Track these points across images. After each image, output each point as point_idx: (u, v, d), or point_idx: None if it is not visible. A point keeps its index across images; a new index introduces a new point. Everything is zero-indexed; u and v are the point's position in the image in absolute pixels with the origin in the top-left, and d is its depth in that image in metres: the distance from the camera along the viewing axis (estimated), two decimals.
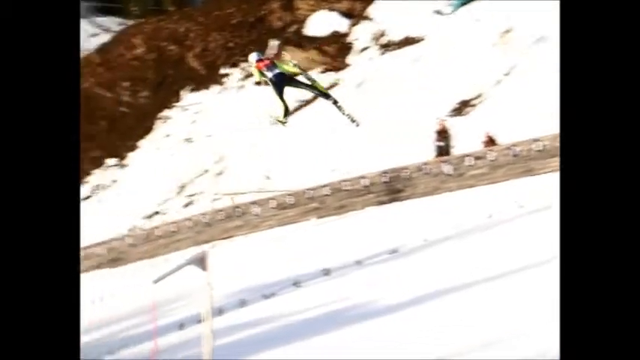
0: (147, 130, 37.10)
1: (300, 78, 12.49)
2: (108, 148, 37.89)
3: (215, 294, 9.84)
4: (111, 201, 33.96)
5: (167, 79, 38.98)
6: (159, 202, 31.48)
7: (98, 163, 37.26)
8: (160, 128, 36.70)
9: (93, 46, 47.44)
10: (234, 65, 37.90)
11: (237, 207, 25.38)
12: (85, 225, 33.95)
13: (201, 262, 9.55)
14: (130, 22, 51.11)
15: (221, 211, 25.59)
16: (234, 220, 25.15)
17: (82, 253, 26.12)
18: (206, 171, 32.79)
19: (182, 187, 32.44)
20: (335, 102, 12.53)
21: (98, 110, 39.96)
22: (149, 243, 25.86)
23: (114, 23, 58.26)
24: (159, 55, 40.15)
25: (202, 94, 37.44)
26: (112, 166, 36.63)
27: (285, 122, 12.42)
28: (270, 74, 12.14)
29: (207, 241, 24.58)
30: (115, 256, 26.04)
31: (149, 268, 23.44)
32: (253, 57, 12.71)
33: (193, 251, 15.50)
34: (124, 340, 17.52)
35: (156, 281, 9.43)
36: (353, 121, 12.68)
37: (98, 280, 24.26)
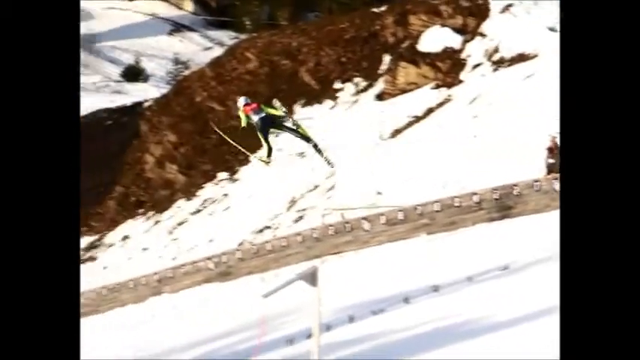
0: (259, 144, 37.47)
1: (285, 122, 13.27)
2: (219, 162, 38.40)
3: (324, 309, 9.87)
4: (221, 215, 34.39)
5: (279, 93, 39.35)
6: (269, 217, 31.76)
7: (209, 177, 37.80)
8: (271, 143, 37.07)
9: (206, 59, 48.18)
10: (347, 80, 38.08)
11: (347, 222, 25.46)
12: (195, 239, 34.45)
13: (311, 277, 9.61)
14: (243, 36, 51.80)
15: (331, 226, 25.69)
16: (344, 236, 25.23)
17: (192, 267, 26.56)
18: (317, 186, 32.95)
19: (293, 202, 32.67)
20: (315, 145, 13.55)
21: (210, 124, 40.53)
22: (259, 257, 26.10)
23: (227, 37, 59.11)
24: (271, 70, 40.58)
25: (315, 109, 37.69)
26: (223, 179, 37.11)
27: (268, 162, 13.43)
28: (256, 117, 13.00)
29: (317, 257, 24.71)
30: (225, 270, 26.35)
31: (259, 283, 23.67)
32: (241, 101, 13.53)
33: (303, 266, 15.59)
34: (233, 355, 17.72)
35: (265, 296, 9.51)
36: (329, 163, 13.96)
37: (207, 294, 24.59)
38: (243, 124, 13.44)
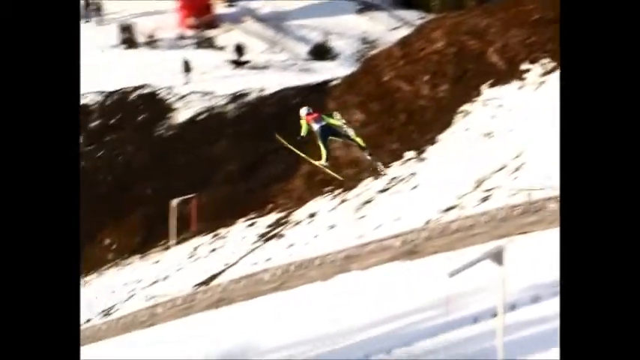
0: (446, 124, 37.46)
1: (343, 130, 14.39)
2: (406, 141, 38.56)
3: (509, 289, 9.91)
4: (408, 193, 34.56)
5: (467, 73, 39.20)
6: (456, 196, 31.72)
7: (397, 156, 38.00)
8: (459, 122, 36.93)
9: (393, 39, 48.34)
10: (534, 61, 37.56)
11: (533, 203, 25.22)
12: (381, 217, 34.84)
13: (497, 256, 9.69)
14: (431, 16, 51.63)
15: (517, 206, 25.50)
16: (530, 216, 25.02)
17: (378, 245, 26.84)
18: (504, 166, 32.71)
19: (479, 182, 32.54)
20: (370, 154, 14.96)
21: (398, 103, 40.74)
22: (445, 237, 26.18)
23: (414, 17, 58.95)
24: (459, 50, 40.43)
25: (502, 89, 37.36)
26: (410, 159, 37.26)
27: (326, 166, 14.62)
28: (316, 126, 14.26)
29: (502, 236, 24.60)
30: (411, 249, 26.52)
31: (445, 262, 23.75)
32: (304, 111, 15.03)
33: (489, 246, 15.61)
34: (418, 333, 17.89)
35: (452, 274, 9.64)
36: (381, 170, 16.03)
37: (393, 273, 24.82)
38: (303, 132, 14.75)
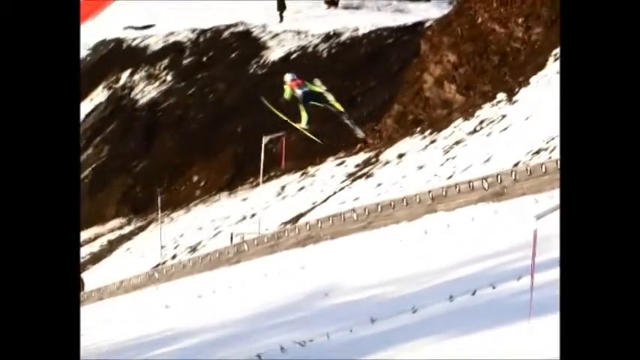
0: (539, 66, 36.94)
1: (323, 96, 15.32)
2: (499, 83, 38.22)
3: None
4: (498, 135, 34.31)
5: None
6: (545, 139, 31.35)
7: (488, 98, 37.69)
8: (551, 65, 36.39)
9: None
10: None
11: None
12: (470, 158, 34.67)
13: None
14: None
15: None
16: None
17: (466, 186, 26.72)
18: None
19: None
20: (348, 117, 15.84)
21: (491, 45, 40.29)
22: (533, 179, 25.91)
23: None
24: None
25: None
26: (501, 100, 36.90)
27: (307, 129, 15.45)
28: (299, 91, 15.36)
29: None
30: (498, 191, 26.35)
31: (532, 204, 23.53)
32: (288, 77, 15.85)
33: None
34: (503, 274, 17.82)
35: (538, 217, 9.56)
36: (358, 133, 16.18)
37: (480, 214, 24.71)
38: (287, 96, 15.77)
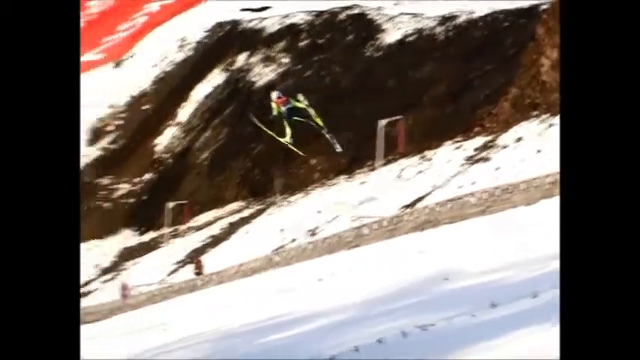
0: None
1: (306, 112, 16.87)
2: None
3: None
4: None
5: None
6: None
7: None
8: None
9: None
10: None
11: None
12: None
13: None
14: None
15: None
16: None
17: None
18: None
19: None
20: (328, 132, 17.36)
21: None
22: None
23: None
24: None
25: None
26: None
27: (290, 143, 17.11)
28: (284, 108, 16.72)
29: None
30: None
31: None
32: (274, 95, 17.40)
33: None
34: None
35: None
36: (337, 148, 18.36)
37: None
38: (275, 112, 17.22)
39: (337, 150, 19.03)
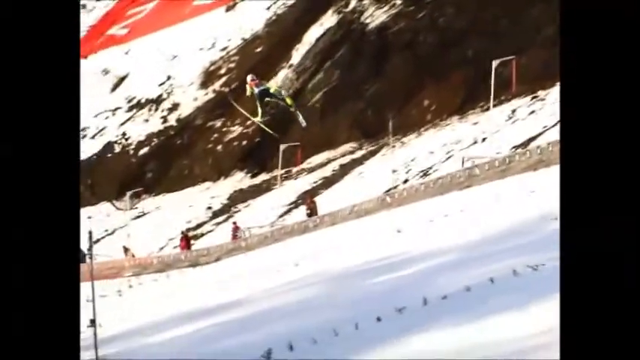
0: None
1: (277, 93, 18.95)
2: None
3: None
4: None
5: None
6: None
7: None
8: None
9: None
10: None
11: None
12: None
13: None
14: None
15: None
16: None
17: None
18: None
19: None
20: (295, 110, 19.54)
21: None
22: None
23: None
24: None
25: None
26: None
27: (261, 122, 19.04)
28: (257, 89, 18.51)
29: None
30: None
31: None
32: (249, 78, 19.04)
33: None
34: None
35: None
36: (302, 123, 20.63)
37: None
38: (248, 93, 18.83)
39: (302, 124, 21.24)
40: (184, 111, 61.84)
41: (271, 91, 18.93)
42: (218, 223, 52.06)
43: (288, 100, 19.14)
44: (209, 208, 54.58)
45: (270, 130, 20.59)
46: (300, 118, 20.24)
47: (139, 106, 64.23)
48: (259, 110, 18.66)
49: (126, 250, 48.16)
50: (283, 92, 19.32)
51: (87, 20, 63.75)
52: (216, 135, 59.62)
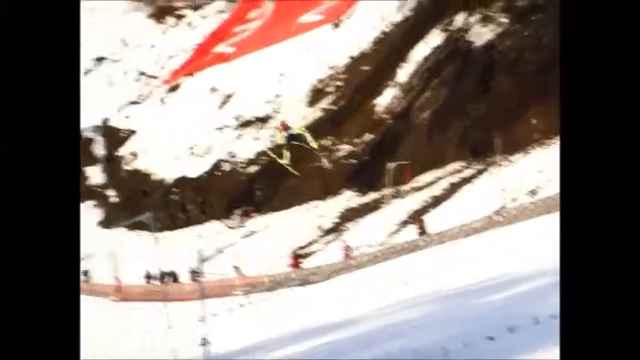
0: None
1: (303, 137, 19.55)
2: None
3: None
4: None
5: None
6: None
7: None
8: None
9: None
10: None
11: None
12: None
13: None
14: None
15: None
16: None
17: None
18: None
19: None
20: (319, 152, 20.90)
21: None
22: None
23: None
24: None
25: None
26: None
27: (290, 165, 19.54)
28: (285, 133, 19.40)
29: None
30: None
31: None
32: (278, 122, 20.57)
33: None
34: None
35: None
36: (327, 166, 24.21)
37: None
38: (277, 138, 19.97)
39: (325, 166, 22.82)
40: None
41: (297, 134, 20.62)
42: (328, 242, 52.84)
43: (314, 144, 20.77)
44: (319, 226, 55.39)
45: (296, 172, 22.22)
46: (324, 161, 22.00)
47: (247, 124, 65.23)
48: (286, 154, 19.84)
49: (236, 268, 49.10)
50: (308, 136, 20.93)
51: (193, 38, 65.30)
52: (324, 153, 60.31)
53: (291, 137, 20.52)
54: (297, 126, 21.11)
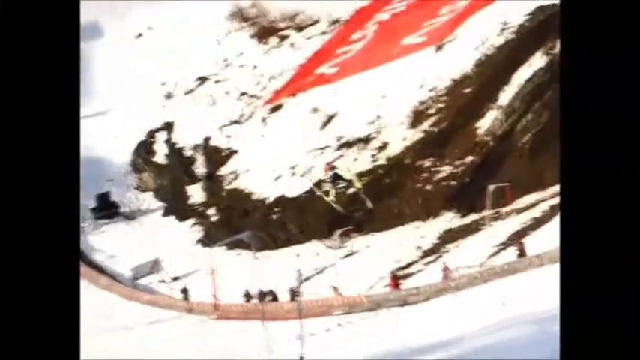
0: None
1: (347, 176, 20.92)
2: None
3: None
4: None
5: None
6: None
7: None
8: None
9: None
10: None
11: None
12: None
13: None
14: None
15: None
16: None
17: None
18: None
19: None
20: (362, 193, 22.07)
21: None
22: None
23: None
24: None
25: None
26: None
27: (333, 201, 20.73)
28: (330, 173, 20.67)
29: None
30: None
31: None
32: (324, 163, 22.10)
33: None
34: None
35: None
36: (368, 205, 23.96)
37: None
38: (324, 177, 21.52)
39: (369, 206, 24.78)
40: (394, 150, 63.15)
41: (341, 174, 21.67)
42: (427, 263, 53.10)
43: (358, 184, 21.79)
44: (419, 247, 55.76)
45: (341, 209, 23.29)
46: (368, 201, 23.29)
47: (349, 144, 66.01)
48: (332, 192, 21.25)
49: (335, 288, 49.57)
50: (352, 176, 21.97)
51: (296, 59, 66.23)
52: (425, 175, 60.57)
53: (336, 176, 22.04)
54: (344, 169, 22.75)
